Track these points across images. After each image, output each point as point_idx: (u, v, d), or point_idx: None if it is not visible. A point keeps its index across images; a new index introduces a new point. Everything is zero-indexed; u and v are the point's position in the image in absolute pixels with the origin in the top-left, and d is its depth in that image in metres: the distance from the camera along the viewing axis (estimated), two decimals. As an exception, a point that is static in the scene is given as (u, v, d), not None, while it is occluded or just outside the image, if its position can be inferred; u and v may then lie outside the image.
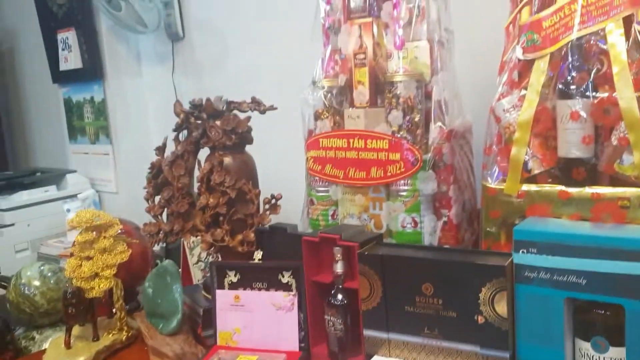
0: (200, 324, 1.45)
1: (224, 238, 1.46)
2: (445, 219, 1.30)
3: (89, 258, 1.42)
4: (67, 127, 3.36)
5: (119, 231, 1.46)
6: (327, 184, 1.42)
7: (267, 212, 1.50)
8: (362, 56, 1.33)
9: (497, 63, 1.25)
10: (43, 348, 1.56)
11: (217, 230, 1.46)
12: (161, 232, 1.52)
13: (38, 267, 1.62)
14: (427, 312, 1.13)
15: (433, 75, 1.31)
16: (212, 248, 1.49)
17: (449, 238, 1.30)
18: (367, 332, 1.20)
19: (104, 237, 1.43)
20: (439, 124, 1.28)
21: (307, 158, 1.42)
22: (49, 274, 1.61)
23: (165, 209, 1.53)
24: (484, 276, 1.03)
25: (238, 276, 1.37)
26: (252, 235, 1.47)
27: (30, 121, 3.86)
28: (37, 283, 1.58)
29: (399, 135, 1.30)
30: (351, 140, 1.35)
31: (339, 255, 1.23)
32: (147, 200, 1.55)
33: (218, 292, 1.38)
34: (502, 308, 1.03)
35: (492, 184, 1.17)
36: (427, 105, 1.31)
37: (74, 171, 3.24)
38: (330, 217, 1.42)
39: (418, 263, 1.13)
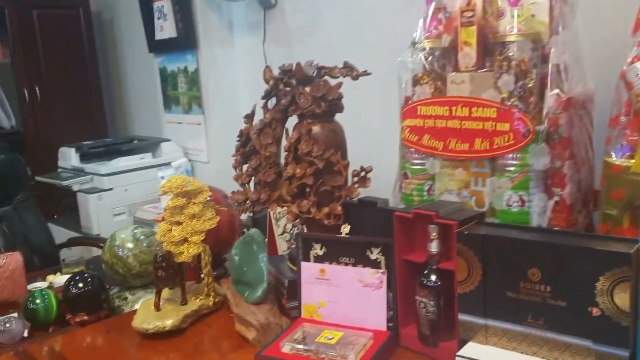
0: (285, 294, 1.42)
1: (310, 210, 1.41)
2: (557, 198, 1.17)
3: (178, 223, 1.42)
4: (162, 97, 3.44)
5: (208, 198, 1.44)
6: (423, 156, 1.32)
7: (356, 185, 1.43)
8: (469, 14, 1.20)
9: (629, 20, 1.08)
10: (135, 308, 1.59)
11: (304, 202, 1.41)
12: (248, 200, 1.49)
13: (132, 230, 1.65)
14: (532, 300, 1.02)
15: (552, 36, 1.16)
16: (298, 219, 1.45)
17: (560, 220, 1.17)
18: (462, 317, 1.11)
19: (194, 204, 1.42)
20: (556, 91, 1.13)
21: (403, 127, 1.33)
22: (142, 237, 1.63)
23: (253, 178, 1.50)
24: (603, 264, 0.91)
25: (324, 249, 1.32)
26: (340, 208, 1.41)
27: (128, 90, 4.00)
28: (130, 245, 1.61)
29: (509, 103, 1.17)
30: (454, 108, 1.24)
31: (434, 234, 1.15)
32: (235, 168, 1.53)
33: (303, 264, 1.33)
34: (623, 301, 0.90)
35: (616, 160, 1.03)
36: (542, 70, 1.17)
37: (168, 140, 3.32)
38: (425, 193, 1.33)
39: (525, 246, 1.02)
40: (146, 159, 3.17)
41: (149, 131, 3.65)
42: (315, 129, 1.41)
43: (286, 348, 1.20)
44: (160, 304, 1.42)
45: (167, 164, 3.14)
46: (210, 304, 1.47)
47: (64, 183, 2.95)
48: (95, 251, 2.90)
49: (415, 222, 1.19)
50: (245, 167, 1.51)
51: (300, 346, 1.19)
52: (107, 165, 3.06)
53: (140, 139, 3.40)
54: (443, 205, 1.20)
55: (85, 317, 1.53)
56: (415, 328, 1.22)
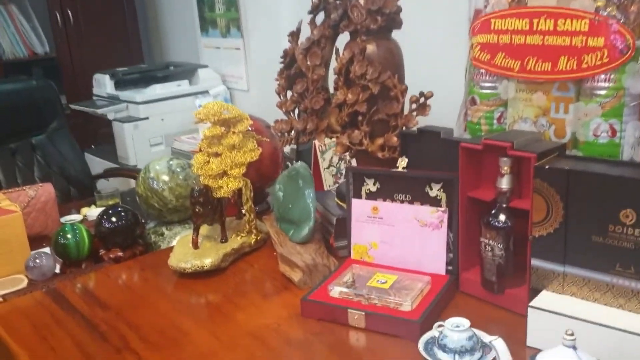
0: (332, 233, 1.33)
1: (363, 141, 1.29)
2: (654, 127, 1.02)
3: (217, 155, 1.32)
4: (199, 19, 3.30)
5: (249, 128, 1.34)
6: (495, 78, 1.17)
7: (414, 113, 1.30)
8: None
9: None
10: (171, 245, 1.54)
11: (355, 132, 1.29)
12: (293, 130, 1.38)
13: (167, 162, 1.57)
14: (623, 245, 0.90)
15: None
16: (348, 152, 1.33)
17: (657, 153, 1.02)
18: (535, 262, 1.00)
19: (233, 133, 1.32)
20: (664, -2, 0.97)
21: (472, 45, 1.18)
22: (178, 170, 1.55)
23: (298, 105, 1.38)
24: None
25: (377, 185, 1.21)
26: (395, 139, 1.29)
27: (163, 13, 3.86)
28: (165, 178, 1.53)
29: (604, 14, 1.00)
30: (535, 21, 1.07)
31: (506, 168, 1.02)
32: (279, 94, 1.41)
33: (354, 201, 1.23)
34: None
35: None
36: (646, -27, 1.00)
37: (206, 66, 3.20)
38: (495, 121, 1.18)
39: (619, 183, 0.88)
40: (183, 86, 3.07)
41: (185, 57, 3.54)
42: (370, 48, 1.27)
43: (334, 292, 1.11)
44: (199, 241, 1.35)
45: (205, 92, 3.04)
46: (252, 242, 1.39)
47: (99, 111, 2.90)
48: (133, 183, 2.88)
49: (484, 155, 1.06)
50: (289, 93, 1.39)
51: (350, 290, 1.10)
52: (142, 92, 2.98)
53: (176, 65, 3.29)
54: (517, 136, 1.06)
55: (120, 253, 1.48)
56: (477, 273, 1.12)
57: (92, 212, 1.82)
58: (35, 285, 1.37)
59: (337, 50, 1.34)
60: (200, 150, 1.36)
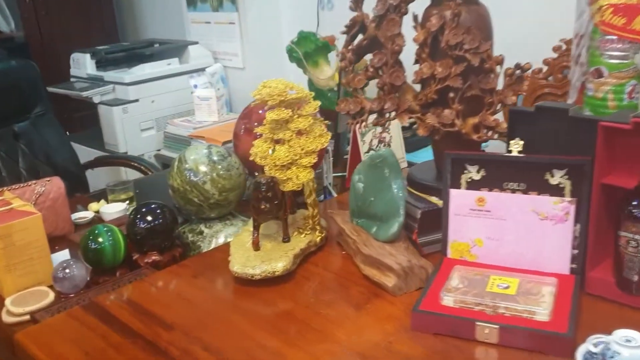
0: (415, 228, 1.17)
1: (455, 122, 1.13)
2: None
3: (280, 141, 1.14)
4: (187, -9, 3.06)
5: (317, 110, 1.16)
6: (629, 46, 1.02)
7: (511, 88, 1.15)
8: None
9: None
10: (214, 245, 1.35)
11: (446, 111, 1.14)
12: (363, 111, 1.21)
13: (204, 150, 1.37)
14: None
15: None
16: (432, 134, 1.17)
17: None
18: (694, 260, 0.87)
19: (301, 116, 1.14)
20: None
21: (600, 8, 1.02)
22: (217, 158, 1.36)
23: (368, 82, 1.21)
24: None
25: (483, 172, 1.06)
26: (492, 118, 1.13)
27: (141, -15, 3.58)
28: (204, 169, 1.33)
29: None
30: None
31: (661, 150, 0.88)
32: (343, 69, 1.23)
33: (453, 192, 1.07)
34: None
35: None
36: None
37: (196, 43, 2.98)
38: (626, 96, 1.04)
39: None
40: (173, 65, 2.85)
41: (169, 33, 3.29)
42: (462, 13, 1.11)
43: (448, 300, 0.96)
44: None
45: (200, 70, 2.82)
46: (318, 240, 1.23)
47: (84, 94, 2.64)
48: (124, 172, 2.65)
49: (628, 136, 0.92)
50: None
51: (469, 298, 0.95)
52: (129, 73, 2.74)
53: (161, 43, 3.05)
54: (667, 113, 0.92)
55: (157, 257, 1.29)
56: (607, 271, 0.99)
57: (107, 208, 1.61)
58: (65, 300, 1.17)
59: (415, 17, 1.18)
60: (260, 135, 1.18)
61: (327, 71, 2.40)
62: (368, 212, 1.13)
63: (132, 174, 2.64)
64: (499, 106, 1.14)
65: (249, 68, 2.92)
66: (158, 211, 1.31)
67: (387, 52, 1.15)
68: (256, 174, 1.16)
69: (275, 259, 1.12)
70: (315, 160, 1.13)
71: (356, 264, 1.14)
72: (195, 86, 2.70)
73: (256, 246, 1.17)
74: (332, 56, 2.44)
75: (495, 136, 1.12)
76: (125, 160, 2.50)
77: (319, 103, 1.15)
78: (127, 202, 1.65)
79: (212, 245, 1.36)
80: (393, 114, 1.17)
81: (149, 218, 1.29)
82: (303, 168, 1.13)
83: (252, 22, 2.81)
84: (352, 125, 1.22)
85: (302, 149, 1.12)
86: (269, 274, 1.10)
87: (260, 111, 1.49)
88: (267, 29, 2.77)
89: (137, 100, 2.69)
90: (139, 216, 1.29)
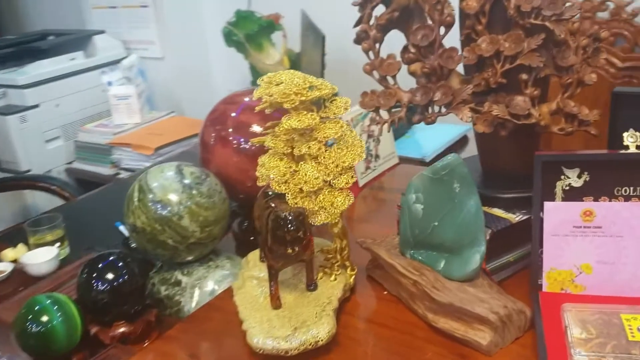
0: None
1: (531, 112, 0.87)
2: None
3: (301, 157, 0.84)
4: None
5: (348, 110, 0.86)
6: None
7: (586, 63, 0.91)
8: None
9: None
10: (198, 299, 1.02)
11: (518, 99, 0.87)
12: (402, 106, 0.92)
13: (171, 172, 1.03)
14: None
15: None
16: (497, 129, 0.91)
17: None
18: None
19: (326, 120, 0.84)
20: None
21: None
22: (192, 181, 1.02)
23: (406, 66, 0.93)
24: None
25: (586, 177, 0.81)
26: (572, 104, 0.89)
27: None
28: (177, 198, 0.99)
29: None
30: None
31: None
32: (367, 52, 0.94)
33: (549, 205, 0.82)
34: None
35: None
36: None
37: (102, 32, 2.55)
38: None
39: None
40: (78, 59, 2.40)
41: (65, 23, 2.81)
42: (530, -32, 0.85)
43: (581, 358, 0.71)
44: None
45: (112, 64, 2.40)
46: (351, 281, 0.94)
47: (-33, 103, 2.16)
48: (31, 196, 2.20)
49: None
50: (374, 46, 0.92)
51: (611, 355, 0.70)
52: (22, 73, 2.27)
53: (58, 34, 2.58)
54: None
55: (127, 328, 0.94)
56: None
57: (31, 257, 1.23)
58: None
59: (459, -21, 0.90)
60: (267, 150, 0.87)
61: (274, 55, 2.09)
62: (430, 241, 0.85)
63: (41, 197, 2.20)
64: (578, 89, 0.89)
65: (169, 57, 2.54)
66: (120, 264, 0.95)
67: (434, 25, 0.86)
68: (272, 205, 0.85)
69: (310, 320, 0.82)
70: (354, 179, 0.83)
71: (419, 312, 0.86)
72: (110, 83, 2.29)
73: (277, 302, 0.87)
74: (278, 37, 2.12)
75: (576, 127, 0.88)
76: (29, 182, 2.06)
77: (348, 101, 0.85)
78: (58, 244, 1.27)
79: (196, 299, 1.02)
80: (443, 107, 0.89)
81: (110, 276, 0.93)
82: (339, 192, 0.83)
83: (169, 3, 2.43)
84: (382, 125, 0.93)
85: (336, 165, 0.82)
86: (311, 346, 0.80)
87: (232, 114, 1.17)
88: (186, 10, 2.40)
89: (37, 106, 2.24)
90: (95, 275, 0.93)
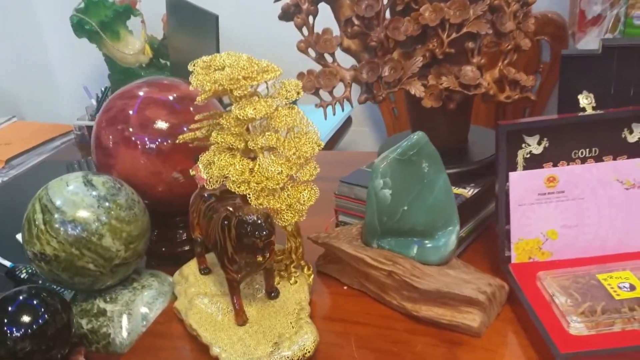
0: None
1: (481, 81, 0.86)
2: None
3: (249, 152, 0.75)
4: None
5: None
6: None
7: (519, 28, 0.92)
8: None
9: None
10: (128, 327, 0.89)
11: (466, 68, 0.86)
12: (345, 86, 0.87)
13: (81, 182, 0.87)
14: None
15: None
16: (446, 102, 0.89)
17: None
18: None
19: (281, 109, 0.76)
20: None
21: None
22: (107, 192, 0.87)
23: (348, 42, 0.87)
24: None
25: (545, 143, 0.82)
26: (513, 71, 0.90)
27: None
28: (92, 214, 0.84)
29: None
30: None
31: None
32: (301, 27, 0.87)
33: (514, 176, 0.82)
34: None
35: None
36: None
37: None
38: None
39: None
40: None
41: None
42: None
43: (577, 327, 0.71)
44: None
45: None
46: (310, 281, 0.87)
47: None
48: None
49: None
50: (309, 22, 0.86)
51: (603, 317, 0.72)
52: None
53: None
54: None
55: (54, 376, 0.80)
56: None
57: None
58: None
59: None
60: (208, 145, 0.77)
61: (134, 42, 1.92)
62: (400, 228, 0.81)
63: None
64: (515, 55, 0.90)
65: (1, 57, 2.23)
66: (35, 302, 0.80)
67: (381, -7, 0.82)
68: (229, 209, 0.75)
69: (288, 332, 0.75)
70: (317, 171, 0.76)
71: (393, 303, 0.82)
72: None
73: (243, 318, 0.78)
74: (136, 23, 1.95)
75: (526, 92, 0.89)
76: None
77: (299, 83, 0.77)
78: None
79: (127, 328, 0.89)
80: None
81: (26, 318, 0.78)
82: (304, 186, 0.76)
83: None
84: (325, 107, 0.87)
85: (298, 156, 0.74)
86: (299, 360, 0.72)
87: (131, 110, 1.03)
88: (15, 6, 2.14)
89: None
90: (7, 321, 0.77)
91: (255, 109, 0.71)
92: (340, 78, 0.85)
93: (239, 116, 0.71)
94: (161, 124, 1.01)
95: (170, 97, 1.04)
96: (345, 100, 0.86)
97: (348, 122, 1.66)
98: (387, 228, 0.82)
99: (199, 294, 0.85)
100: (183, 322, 0.85)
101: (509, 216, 0.82)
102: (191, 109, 1.02)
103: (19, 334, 0.76)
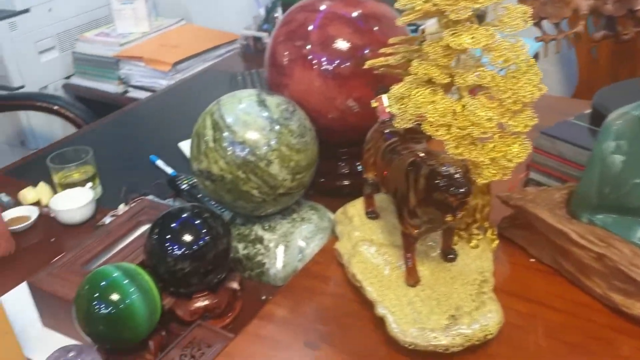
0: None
1: None
2: None
3: (447, 90, 0.64)
4: None
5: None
6: None
7: None
8: None
9: None
10: (283, 258, 0.84)
11: None
12: (580, 17, 0.71)
13: (255, 101, 0.82)
14: None
15: None
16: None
17: None
18: None
19: (502, 41, 0.63)
20: None
21: None
22: (280, 116, 0.81)
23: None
24: None
25: None
26: None
27: None
28: (263, 137, 0.79)
29: None
30: None
31: None
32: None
33: None
34: None
35: None
36: None
37: None
38: None
39: None
40: (71, -46, 2.10)
41: None
42: None
43: None
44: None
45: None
46: (494, 246, 0.76)
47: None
48: (26, 118, 1.97)
49: None
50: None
51: None
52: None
53: None
54: None
55: (211, 301, 0.77)
56: None
57: (61, 201, 1.03)
58: None
59: None
60: (399, 76, 0.66)
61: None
62: (625, 203, 0.67)
63: (38, 119, 1.97)
64: None
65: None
66: (197, 221, 0.76)
67: None
68: (420, 155, 0.65)
69: (467, 305, 0.65)
70: (535, 122, 0.64)
71: (596, 291, 0.69)
72: (112, -16, 2.00)
73: (415, 278, 0.69)
74: None
75: None
76: (27, 101, 1.82)
77: (528, 10, 0.64)
78: (91, 184, 1.07)
79: (282, 260, 0.85)
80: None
81: (188, 238, 0.75)
82: (514, 138, 0.64)
83: None
84: (547, 42, 0.73)
85: (514, 101, 0.62)
86: (478, 341, 0.63)
87: (311, 26, 0.94)
88: None
89: (27, 10, 1.96)
90: (169, 237, 0.75)
91: (473, 37, 0.59)
92: (574, 7, 0.70)
93: (451, 44, 0.59)
94: (342, 44, 0.92)
95: (355, 14, 0.94)
96: (574, 35, 0.71)
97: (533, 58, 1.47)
98: (607, 201, 0.68)
99: (364, 240, 0.77)
100: (343, 267, 0.78)
101: None
102: (375, 28, 0.92)
103: (179, 252, 0.73)
